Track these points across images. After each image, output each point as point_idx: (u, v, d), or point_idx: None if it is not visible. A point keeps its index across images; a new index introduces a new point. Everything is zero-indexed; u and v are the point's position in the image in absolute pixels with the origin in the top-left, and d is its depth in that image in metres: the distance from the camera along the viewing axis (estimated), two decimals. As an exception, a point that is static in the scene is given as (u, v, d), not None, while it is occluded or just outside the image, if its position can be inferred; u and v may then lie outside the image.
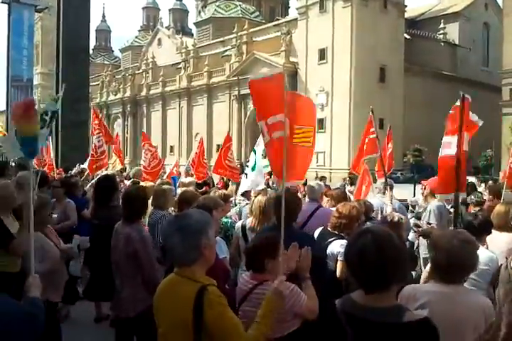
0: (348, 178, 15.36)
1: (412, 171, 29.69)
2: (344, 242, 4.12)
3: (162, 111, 61.11)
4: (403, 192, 15.47)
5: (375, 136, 7.46)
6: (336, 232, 4.45)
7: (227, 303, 2.27)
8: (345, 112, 40.15)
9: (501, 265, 2.76)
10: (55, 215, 5.60)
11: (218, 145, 49.97)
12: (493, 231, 4.35)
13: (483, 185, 13.55)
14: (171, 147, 59.02)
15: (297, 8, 46.30)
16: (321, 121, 41.70)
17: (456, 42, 50.90)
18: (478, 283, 3.54)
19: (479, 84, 48.40)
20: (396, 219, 4.82)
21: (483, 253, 3.40)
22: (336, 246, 4.28)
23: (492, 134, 32.07)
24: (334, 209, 4.88)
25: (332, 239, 4.38)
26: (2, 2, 24.29)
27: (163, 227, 4.68)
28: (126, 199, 4.45)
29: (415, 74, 44.87)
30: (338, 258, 4.17)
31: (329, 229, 4.55)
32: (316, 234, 4.68)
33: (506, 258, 3.40)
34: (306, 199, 6.13)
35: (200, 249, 2.32)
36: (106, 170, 10.86)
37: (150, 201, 5.32)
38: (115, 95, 68.14)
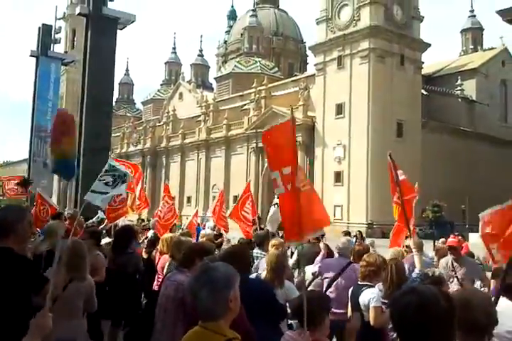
0: (358, 232, 15.66)
1: (432, 227, 29.17)
2: (375, 290, 4.38)
3: (181, 162, 61.92)
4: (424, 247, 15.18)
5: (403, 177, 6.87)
6: (366, 283, 4.60)
7: None
8: (363, 166, 40.18)
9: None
10: None
11: (235, 197, 50.00)
12: None
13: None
14: (189, 198, 59.27)
15: (315, 65, 47.53)
16: (339, 175, 41.75)
17: (474, 98, 51.35)
18: None
19: (498, 140, 48.38)
20: (437, 273, 4.66)
21: None
22: (367, 295, 4.40)
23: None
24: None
25: (363, 289, 4.50)
26: (31, 55, 25.26)
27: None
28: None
29: (433, 130, 45.09)
30: (370, 305, 4.26)
31: (359, 281, 4.68)
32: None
33: None
34: (336, 254, 6.03)
35: (228, 303, 2.30)
36: (125, 217, 10.95)
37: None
38: (135, 146, 69.44)
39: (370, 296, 4.34)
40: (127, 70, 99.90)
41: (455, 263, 6.53)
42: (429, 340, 1.90)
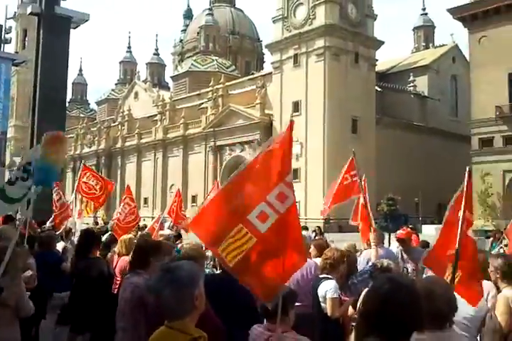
0: (316, 227, 15.93)
1: (386, 220, 29.89)
2: (332, 282, 4.56)
3: (137, 162, 61.11)
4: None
5: (357, 178, 7.36)
6: (325, 275, 4.75)
7: None
8: (319, 162, 40.70)
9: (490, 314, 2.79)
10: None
11: (194, 197, 49.91)
12: None
13: None
14: (145, 199, 58.53)
15: (272, 63, 47.84)
16: (296, 171, 42.11)
17: (426, 93, 52.73)
18: (469, 328, 3.53)
19: (449, 134, 49.83)
20: (385, 264, 4.81)
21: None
22: (324, 287, 4.54)
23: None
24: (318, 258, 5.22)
25: (321, 282, 4.63)
26: (-21, 56, 24.43)
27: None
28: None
29: (386, 126, 46.07)
30: (327, 296, 4.42)
31: (319, 274, 4.84)
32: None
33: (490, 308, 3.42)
34: None
35: (193, 301, 2.29)
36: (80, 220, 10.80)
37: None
38: (90, 147, 68.14)
39: (327, 288, 4.47)
40: (81, 70, 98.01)
41: (404, 255, 6.81)
42: (412, 326, 2.01)
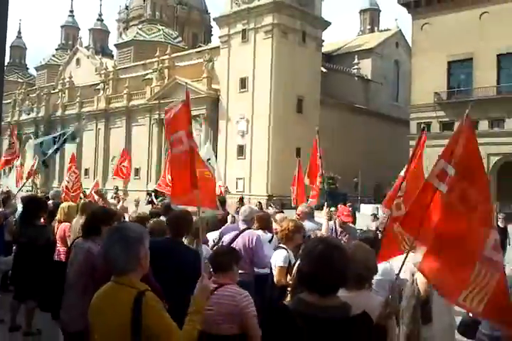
0: (258, 203, 16.69)
1: (326, 198, 30.73)
2: (282, 251, 4.87)
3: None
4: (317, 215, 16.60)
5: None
6: (281, 245, 5.09)
7: (163, 306, 2.44)
8: (264, 140, 41.09)
9: (396, 277, 3.14)
10: None
11: (137, 169, 49.25)
12: None
13: None
14: (86, 170, 57.16)
15: (220, 37, 47.28)
16: (242, 148, 42.45)
17: (369, 77, 53.89)
18: (378, 293, 3.81)
19: (389, 118, 51.42)
20: (319, 235, 5.25)
21: (379, 265, 3.78)
22: (275, 256, 4.90)
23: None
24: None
25: (276, 250, 4.98)
26: None
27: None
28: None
29: (331, 106, 46.87)
30: (275, 265, 4.75)
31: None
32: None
33: (413, 274, 3.79)
34: (240, 222, 6.37)
35: (139, 258, 2.50)
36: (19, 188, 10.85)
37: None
38: (28, 114, 65.48)
39: (277, 257, 4.81)
40: (19, 33, 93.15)
41: (339, 228, 7.61)
42: (343, 281, 2.30)
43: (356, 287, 2.83)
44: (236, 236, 5.57)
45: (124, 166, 12.58)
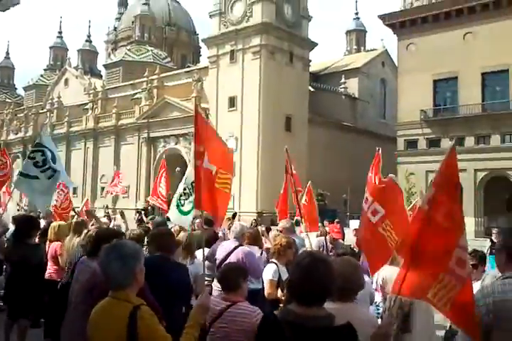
0: (253, 220, 17.15)
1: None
2: (272, 266, 5.00)
3: (66, 151, 59.18)
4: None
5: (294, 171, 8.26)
6: (272, 260, 5.24)
7: (157, 320, 2.57)
8: (253, 157, 41.33)
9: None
10: None
11: (126, 188, 49.00)
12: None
13: None
14: (75, 188, 56.82)
15: (208, 57, 47.74)
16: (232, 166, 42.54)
17: (356, 95, 54.55)
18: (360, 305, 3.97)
19: (377, 135, 51.94)
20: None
21: None
22: (265, 270, 5.04)
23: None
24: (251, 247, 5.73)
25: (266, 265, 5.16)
26: None
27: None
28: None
29: (319, 125, 47.31)
30: (266, 278, 4.87)
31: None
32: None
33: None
34: (231, 238, 6.43)
35: (135, 274, 2.64)
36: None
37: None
38: (16, 134, 65.30)
39: (267, 271, 4.95)
40: (8, 53, 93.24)
41: (330, 245, 7.73)
42: (328, 293, 2.43)
43: (341, 299, 2.95)
44: (229, 254, 5.68)
45: (119, 182, 12.64)
